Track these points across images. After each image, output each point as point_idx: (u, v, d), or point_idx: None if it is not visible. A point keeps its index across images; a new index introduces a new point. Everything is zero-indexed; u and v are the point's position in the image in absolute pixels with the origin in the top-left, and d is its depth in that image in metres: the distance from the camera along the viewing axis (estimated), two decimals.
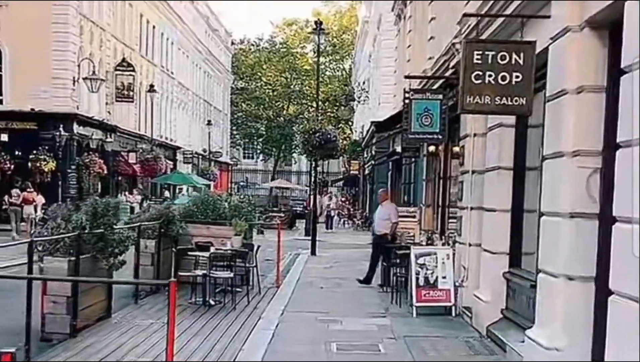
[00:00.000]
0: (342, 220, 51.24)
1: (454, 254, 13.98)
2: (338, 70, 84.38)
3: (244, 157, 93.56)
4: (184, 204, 19.42)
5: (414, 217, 19.39)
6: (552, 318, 8.36)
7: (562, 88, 8.15)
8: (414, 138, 13.94)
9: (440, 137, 13.95)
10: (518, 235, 11.38)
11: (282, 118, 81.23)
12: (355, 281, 18.53)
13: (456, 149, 15.76)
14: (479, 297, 12.33)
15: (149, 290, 15.94)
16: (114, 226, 12.52)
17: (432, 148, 17.98)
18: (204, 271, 14.79)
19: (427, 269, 13.72)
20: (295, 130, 79.85)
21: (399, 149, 25.75)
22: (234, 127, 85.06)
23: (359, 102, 54.25)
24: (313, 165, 33.83)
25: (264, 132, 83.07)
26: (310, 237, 33.19)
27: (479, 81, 8.68)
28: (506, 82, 8.66)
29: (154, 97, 47.64)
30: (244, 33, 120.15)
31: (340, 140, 30.91)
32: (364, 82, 56.05)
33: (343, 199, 63.37)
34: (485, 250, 12.18)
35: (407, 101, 13.85)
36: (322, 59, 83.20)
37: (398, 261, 15.78)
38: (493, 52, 8.68)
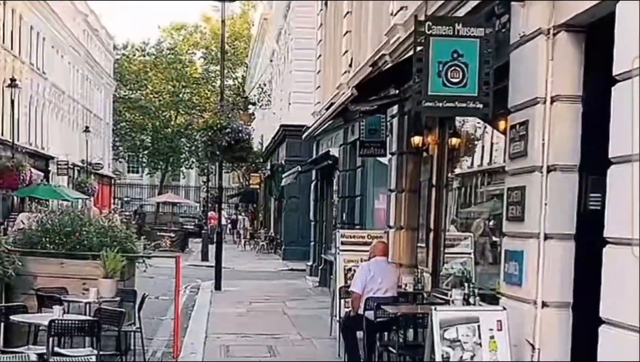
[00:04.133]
0: (242, 241, 44.65)
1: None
2: (230, 79, 78.31)
3: (129, 171, 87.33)
4: None
5: None
6: None
7: None
8: (432, 106, 7.48)
9: (480, 105, 7.59)
10: None
11: (169, 129, 75.84)
12: (296, 343, 12.08)
13: (470, 134, 9.53)
14: None
15: None
16: None
17: (416, 139, 11.68)
18: (43, 350, 8.13)
19: (462, 349, 7.36)
20: (184, 142, 73.96)
21: (333, 151, 19.40)
22: (117, 138, 78.13)
23: (259, 106, 47.78)
24: (208, 174, 27.14)
25: (150, 144, 77.32)
26: (209, 264, 27.22)
27: None
28: None
29: (18, 95, 40.06)
30: (128, 38, 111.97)
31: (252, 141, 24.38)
32: (264, 85, 49.69)
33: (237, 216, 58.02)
34: (611, 323, 5.88)
35: (420, 39, 7.46)
36: (213, 67, 77.81)
37: (387, 319, 9.44)
38: None
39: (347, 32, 18.89)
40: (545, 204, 7.19)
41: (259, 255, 37.86)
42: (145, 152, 78.59)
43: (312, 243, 24.15)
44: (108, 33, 77.06)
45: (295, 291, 21.30)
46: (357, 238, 13.18)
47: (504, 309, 7.46)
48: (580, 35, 7.08)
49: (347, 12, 18.87)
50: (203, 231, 37.35)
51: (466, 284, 8.89)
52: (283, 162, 34.54)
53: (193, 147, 68.93)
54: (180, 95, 76.50)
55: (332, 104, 19.04)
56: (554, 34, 7.15)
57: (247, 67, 72.77)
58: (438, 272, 11.10)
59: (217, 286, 21.23)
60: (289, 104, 34.95)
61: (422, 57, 7.61)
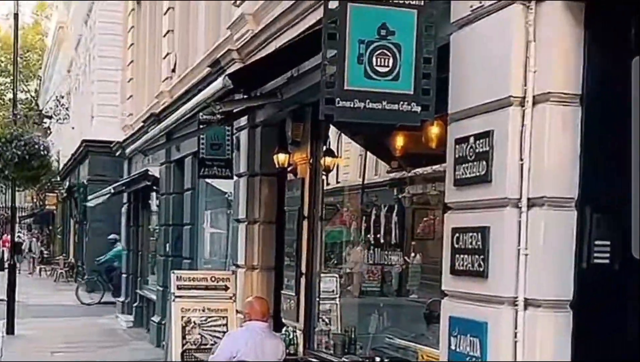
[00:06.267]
0: (37, 267, 40.51)
1: None
2: (23, 92, 73.01)
3: None
4: None
5: (225, 289, 10.36)
6: None
7: None
8: (349, 108, 4.91)
9: (417, 108, 5.10)
10: None
11: None
12: None
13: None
14: None
15: None
16: None
17: (281, 157, 9.16)
18: None
19: None
20: None
21: (153, 170, 16.58)
22: None
23: (56, 120, 43.81)
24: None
25: None
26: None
27: None
28: None
29: None
30: None
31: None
32: (61, 97, 45.75)
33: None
34: None
35: (331, 5, 4.99)
36: (2, 80, 72.38)
37: None
38: None
39: (168, 31, 16.15)
40: (526, 255, 4.86)
41: (57, 284, 34.02)
42: None
43: (125, 276, 21.09)
44: None
45: (107, 333, 18.26)
46: (198, 281, 10.45)
47: None
48: (578, 4, 4.81)
49: (169, 9, 16.13)
50: None
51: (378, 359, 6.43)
52: (85, 181, 31.16)
53: None
54: None
55: (151, 114, 16.32)
56: (537, 1, 4.86)
57: (40, 80, 68.18)
58: (313, 328, 8.63)
59: (10, 329, 17.91)
60: (92, 117, 31.65)
61: (336, 31, 5.12)
